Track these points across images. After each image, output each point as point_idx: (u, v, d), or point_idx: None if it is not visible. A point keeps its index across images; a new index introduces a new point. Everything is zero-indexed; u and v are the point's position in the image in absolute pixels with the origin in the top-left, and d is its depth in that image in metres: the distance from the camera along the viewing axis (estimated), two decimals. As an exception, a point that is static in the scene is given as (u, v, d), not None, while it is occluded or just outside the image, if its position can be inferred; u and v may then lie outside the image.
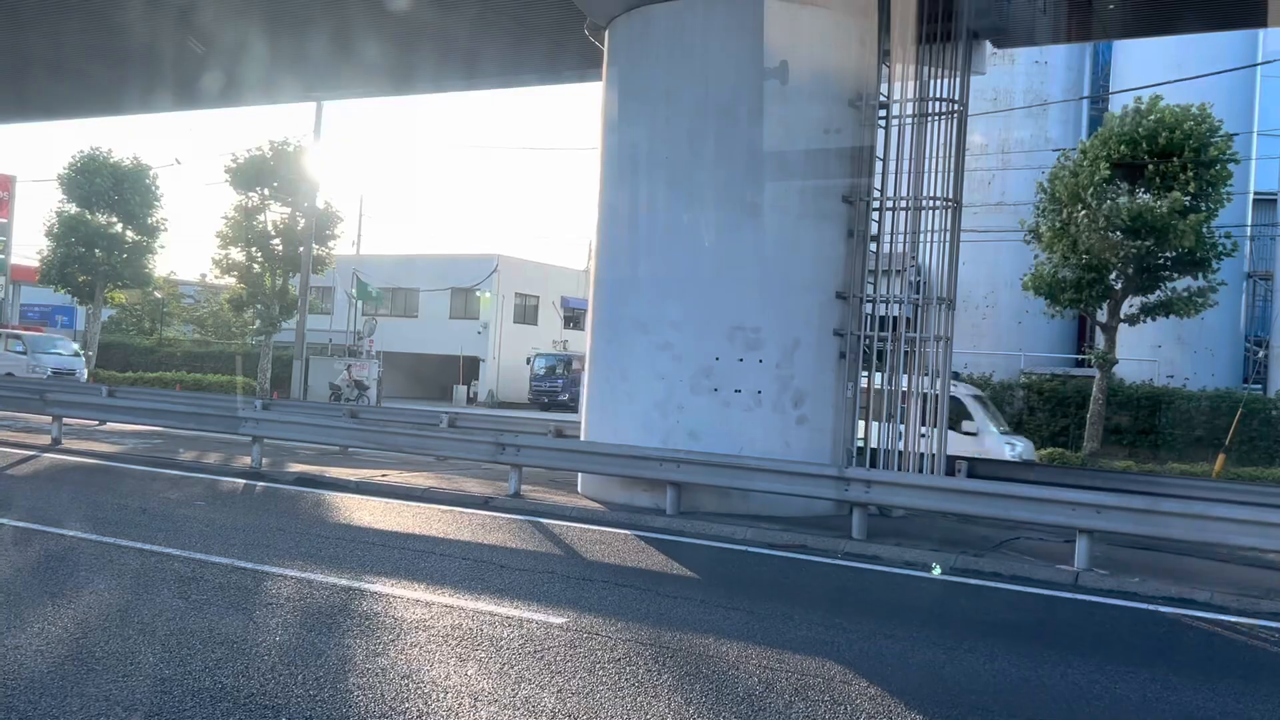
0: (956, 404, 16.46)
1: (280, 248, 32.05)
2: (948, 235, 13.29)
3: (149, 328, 47.38)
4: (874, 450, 13.17)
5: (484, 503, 12.70)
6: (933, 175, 13.18)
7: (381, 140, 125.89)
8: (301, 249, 30.74)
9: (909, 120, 13.20)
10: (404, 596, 7.51)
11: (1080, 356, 29.40)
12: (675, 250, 13.02)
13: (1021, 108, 28.94)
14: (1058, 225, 21.17)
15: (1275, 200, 33.52)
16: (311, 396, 30.75)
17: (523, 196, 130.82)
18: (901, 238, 13.16)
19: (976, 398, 17.62)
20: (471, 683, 5.61)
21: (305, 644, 6.17)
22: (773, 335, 12.71)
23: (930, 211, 13.20)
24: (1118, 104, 25.17)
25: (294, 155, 31.90)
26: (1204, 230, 20.31)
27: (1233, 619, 8.48)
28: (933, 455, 12.97)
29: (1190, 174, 20.15)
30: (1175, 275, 21.21)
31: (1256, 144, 29.06)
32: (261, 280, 32.21)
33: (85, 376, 32.97)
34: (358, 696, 5.29)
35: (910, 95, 13.23)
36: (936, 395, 13.12)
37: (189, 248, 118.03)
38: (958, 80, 13.34)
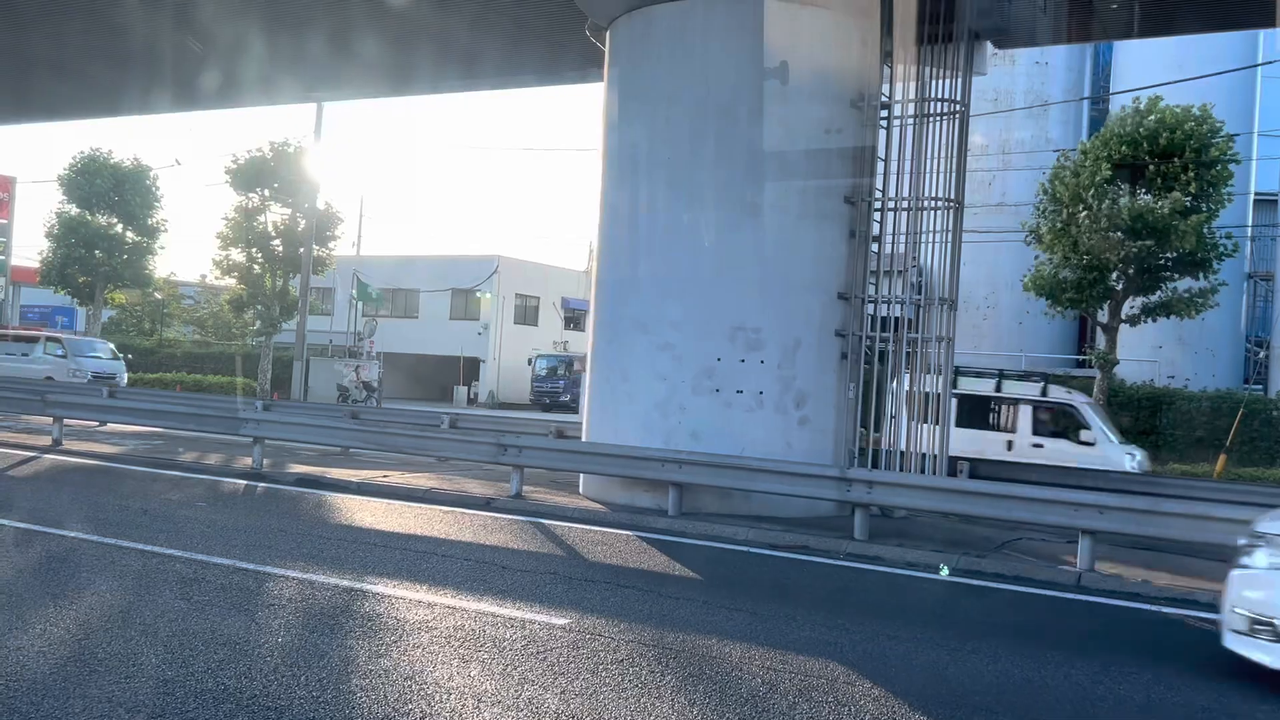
0: (1071, 412, 16.24)
1: (280, 248, 32.04)
2: (950, 236, 13.29)
3: (149, 329, 47.35)
4: (876, 451, 13.16)
5: (485, 504, 12.69)
6: (934, 176, 13.18)
7: (382, 141, 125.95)
8: (302, 250, 30.74)
9: (911, 121, 13.20)
10: (406, 598, 7.50)
11: (1081, 357, 29.38)
12: (676, 250, 13.01)
13: (1022, 108, 28.94)
14: (1058, 226, 21.16)
15: (1276, 201, 33.50)
16: (312, 397, 30.73)
17: (523, 197, 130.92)
18: (903, 238, 13.16)
19: (1091, 405, 16.82)
20: (475, 684, 5.60)
21: (308, 645, 6.16)
22: (774, 336, 12.70)
23: (932, 212, 13.20)
24: (1118, 105, 25.16)
25: (294, 156, 31.90)
26: (1205, 231, 20.30)
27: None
28: (935, 456, 12.96)
29: (1191, 174, 20.13)
30: (1176, 276, 21.20)
31: (1257, 145, 29.06)
32: (262, 281, 32.20)
33: (125, 380, 31.76)
34: (361, 698, 5.28)
35: (912, 96, 13.23)
36: (939, 395, 13.13)
37: (189, 249, 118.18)
38: (959, 81, 13.34)
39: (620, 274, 13.58)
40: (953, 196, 13.29)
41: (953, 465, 13.52)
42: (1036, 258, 22.48)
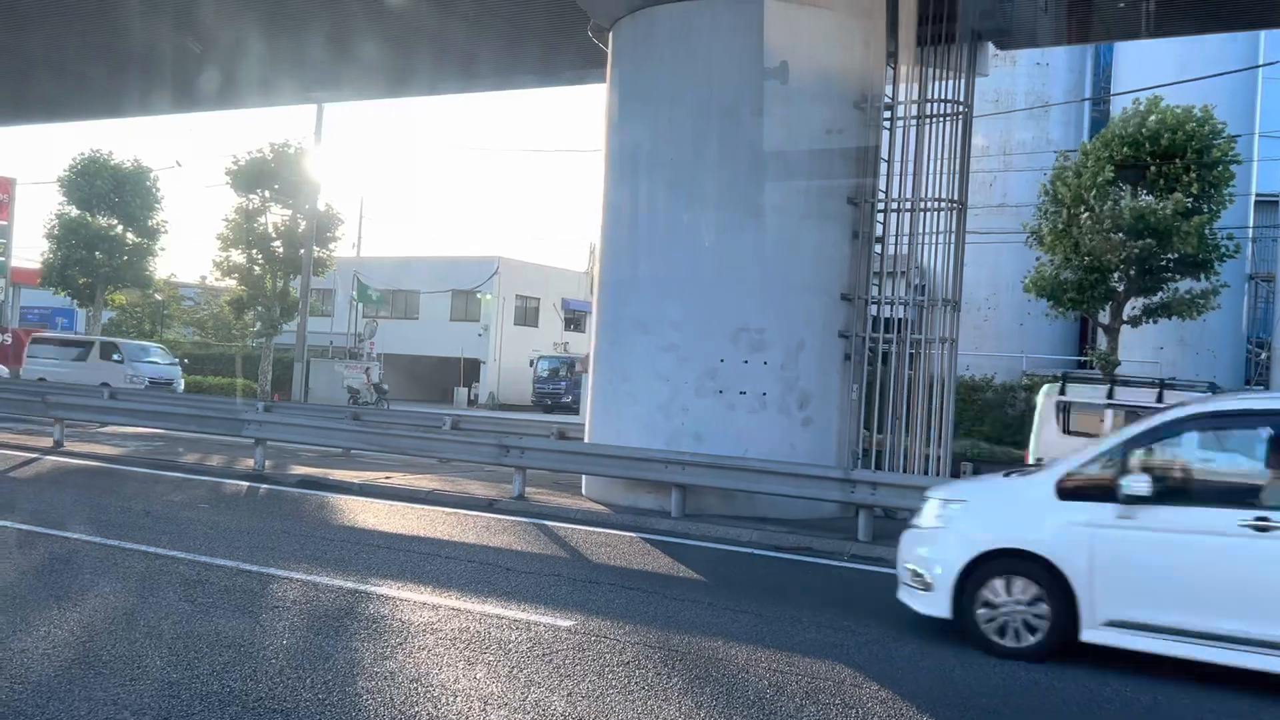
0: None
1: (281, 250, 32.00)
2: (953, 237, 13.28)
3: (149, 330, 47.29)
4: (879, 452, 13.15)
5: (488, 505, 12.67)
6: (937, 176, 13.17)
7: (382, 143, 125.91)
8: (302, 251, 30.70)
9: (913, 121, 13.19)
10: (410, 599, 7.48)
11: (1082, 358, 29.36)
12: (679, 251, 13.00)
13: (1023, 109, 28.94)
14: (1060, 227, 21.15)
15: (1277, 202, 33.53)
16: (312, 399, 30.70)
17: (523, 199, 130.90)
18: (906, 239, 13.15)
19: None
20: (481, 686, 5.58)
21: (313, 647, 6.14)
22: (777, 337, 12.68)
23: (935, 213, 13.19)
24: (1119, 106, 25.17)
25: (295, 157, 31.86)
26: (1206, 232, 20.28)
27: None
28: (939, 457, 12.94)
29: (1193, 176, 20.12)
30: (1177, 277, 21.17)
31: (1258, 146, 29.07)
32: (262, 282, 32.16)
33: (182, 386, 30.99)
34: (367, 701, 5.26)
35: (914, 97, 13.22)
36: (943, 394, 13.11)
37: (189, 250, 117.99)
38: (962, 81, 13.33)
39: (623, 275, 13.56)
40: (956, 197, 13.28)
41: (956, 466, 13.50)
42: (1038, 259, 22.46)
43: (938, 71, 13.35)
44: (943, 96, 13.34)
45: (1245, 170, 25.19)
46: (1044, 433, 14.11)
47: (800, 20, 12.87)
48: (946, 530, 7.21)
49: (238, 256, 32.21)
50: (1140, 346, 26.25)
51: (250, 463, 15.02)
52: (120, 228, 35.59)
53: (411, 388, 45.30)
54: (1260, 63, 28.04)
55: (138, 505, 11.43)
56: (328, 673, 5.65)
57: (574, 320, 48.30)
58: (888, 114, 13.44)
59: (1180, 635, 6.30)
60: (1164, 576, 6.42)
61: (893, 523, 12.42)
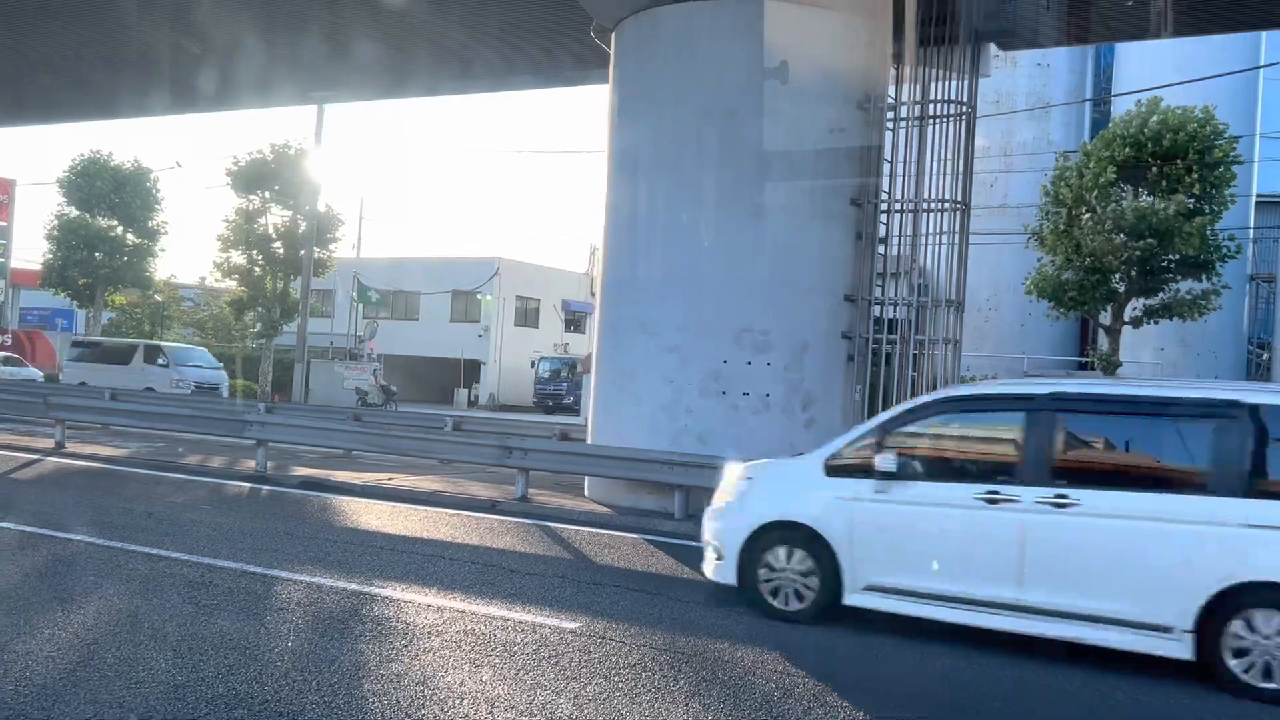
0: None
1: (281, 251, 32.00)
2: (956, 237, 13.26)
3: (149, 331, 47.27)
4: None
5: (491, 506, 12.64)
6: (941, 177, 13.15)
7: (382, 144, 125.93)
8: (302, 252, 30.69)
9: (917, 122, 13.16)
10: (415, 601, 7.46)
11: (1083, 359, 29.36)
12: (681, 252, 12.97)
13: (1024, 110, 28.95)
14: (1061, 227, 21.15)
15: (1278, 203, 33.52)
16: (313, 400, 30.67)
17: (523, 199, 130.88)
18: (909, 240, 13.12)
19: None
20: (487, 689, 5.55)
21: (318, 649, 6.11)
22: (781, 338, 12.65)
23: (938, 214, 13.16)
24: (1120, 107, 25.16)
25: (295, 158, 31.86)
26: (1208, 233, 20.28)
27: None
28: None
29: (1194, 176, 20.12)
30: (1178, 278, 21.18)
31: (1259, 146, 29.07)
32: (262, 283, 32.15)
33: (228, 391, 30.74)
34: (373, 703, 5.23)
35: (917, 97, 13.20)
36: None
37: (189, 251, 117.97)
38: (965, 82, 13.31)
39: (626, 275, 13.53)
40: (959, 198, 13.26)
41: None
42: (1039, 260, 22.47)
43: (940, 72, 13.32)
44: (945, 97, 13.32)
45: (1246, 171, 25.19)
46: None
47: (804, 20, 12.85)
48: (737, 504, 7.89)
49: (238, 257, 32.21)
50: (1141, 347, 26.26)
51: (252, 464, 14.99)
52: (120, 229, 35.60)
53: (411, 389, 45.24)
54: (1261, 63, 28.03)
55: (140, 507, 11.40)
56: (333, 675, 5.63)
57: (574, 321, 48.29)
58: (891, 114, 13.41)
59: (923, 598, 6.99)
60: (911, 546, 7.07)
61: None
